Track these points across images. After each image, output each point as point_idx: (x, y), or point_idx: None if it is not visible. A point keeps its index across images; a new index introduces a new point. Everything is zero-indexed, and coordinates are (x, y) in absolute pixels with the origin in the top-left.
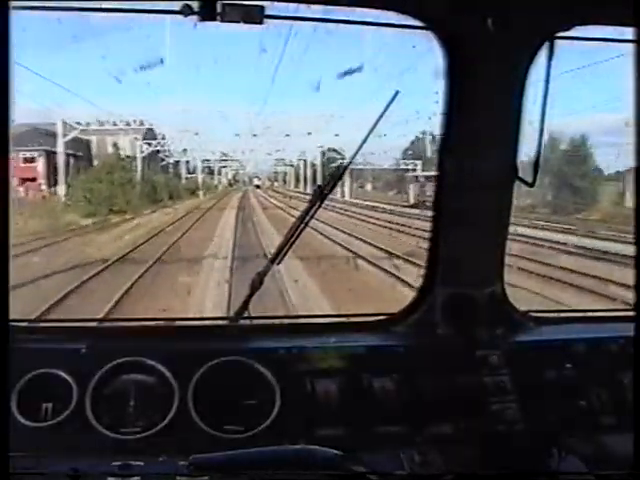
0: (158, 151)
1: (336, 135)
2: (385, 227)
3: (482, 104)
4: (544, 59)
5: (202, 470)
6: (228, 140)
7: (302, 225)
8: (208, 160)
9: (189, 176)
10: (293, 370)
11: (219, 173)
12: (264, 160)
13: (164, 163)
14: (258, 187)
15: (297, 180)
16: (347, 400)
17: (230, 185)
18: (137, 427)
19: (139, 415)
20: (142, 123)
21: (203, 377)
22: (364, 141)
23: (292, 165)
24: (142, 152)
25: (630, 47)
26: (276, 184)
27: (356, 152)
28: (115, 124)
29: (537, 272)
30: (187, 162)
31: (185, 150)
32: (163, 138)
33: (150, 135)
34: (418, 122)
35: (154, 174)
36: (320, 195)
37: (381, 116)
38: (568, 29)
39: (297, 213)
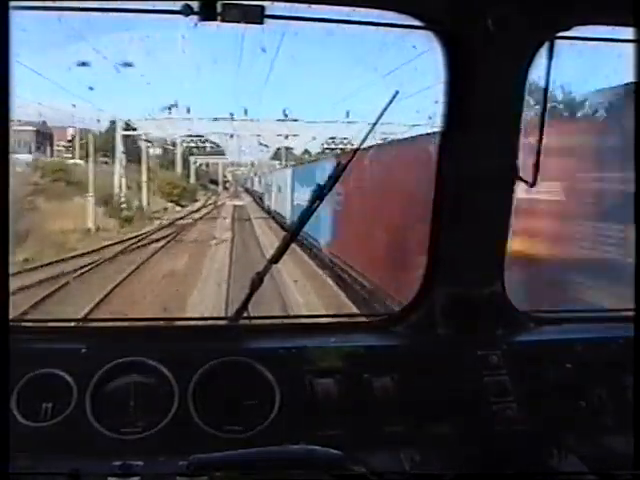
0: None
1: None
2: None
3: (482, 104)
4: (544, 59)
5: (202, 470)
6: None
7: (301, 224)
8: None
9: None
10: (293, 370)
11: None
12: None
13: None
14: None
15: None
16: (347, 400)
17: (179, 203)
18: (137, 427)
19: (139, 415)
20: None
21: (203, 377)
22: (364, 140)
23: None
24: None
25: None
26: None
27: (355, 151)
28: None
29: None
30: None
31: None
32: None
33: None
34: None
35: None
36: (320, 194)
37: (381, 115)
38: (568, 29)
39: None
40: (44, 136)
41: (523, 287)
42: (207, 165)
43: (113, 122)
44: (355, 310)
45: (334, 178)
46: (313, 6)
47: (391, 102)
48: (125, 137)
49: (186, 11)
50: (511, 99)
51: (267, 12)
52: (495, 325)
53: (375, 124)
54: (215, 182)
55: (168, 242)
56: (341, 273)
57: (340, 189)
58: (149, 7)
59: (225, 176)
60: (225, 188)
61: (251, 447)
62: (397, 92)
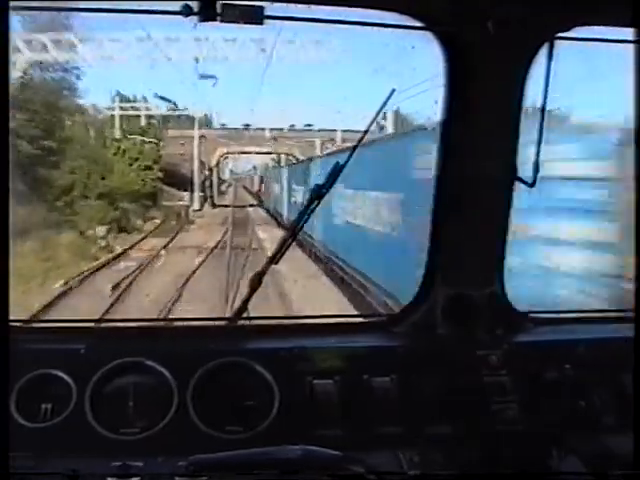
0: None
1: None
2: None
3: (482, 104)
4: (544, 59)
5: (202, 470)
6: None
7: (300, 224)
8: None
9: None
10: (293, 370)
11: None
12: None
13: None
14: None
15: None
16: (347, 400)
17: None
18: (136, 427)
19: (138, 415)
20: None
21: (202, 377)
22: (362, 138)
23: None
24: None
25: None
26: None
27: (354, 149)
28: None
29: None
30: None
31: None
32: None
33: None
34: None
35: None
36: (318, 193)
37: (378, 113)
38: (568, 29)
39: None
40: None
41: None
42: (148, 137)
43: None
44: None
45: (333, 177)
46: (313, 6)
47: (388, 99)
48: None
49: (186, 11)
50: (511, 99)
51: (267, 12)
52: (495, 325)
53: (374, 120)
54: (180, 186)
55: None
56: None
57: None
58: (149, 7)
59: (210, 170)
60: (220, 196)
61: (251, 447)
62: (394, 90)
